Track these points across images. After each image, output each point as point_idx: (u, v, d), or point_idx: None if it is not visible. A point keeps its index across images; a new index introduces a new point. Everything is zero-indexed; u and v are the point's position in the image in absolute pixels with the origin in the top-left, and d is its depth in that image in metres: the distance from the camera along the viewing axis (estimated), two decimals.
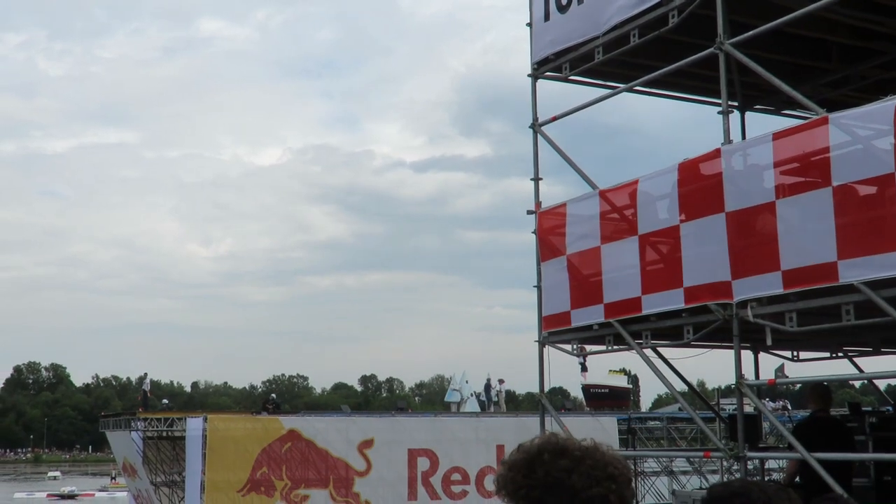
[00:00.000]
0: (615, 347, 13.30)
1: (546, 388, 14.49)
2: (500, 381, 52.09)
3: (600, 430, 38.66)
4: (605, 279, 12.91)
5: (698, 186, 11.71)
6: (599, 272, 13.02)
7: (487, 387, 51.57)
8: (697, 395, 16.92)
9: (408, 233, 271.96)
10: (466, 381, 53.03)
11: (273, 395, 67.45)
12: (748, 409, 12.62)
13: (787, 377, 16.57)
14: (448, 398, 54.21)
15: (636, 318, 12.68)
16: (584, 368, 50.90)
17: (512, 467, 2.69)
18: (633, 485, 2.79)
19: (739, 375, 11.45)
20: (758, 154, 11.02)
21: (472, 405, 50.13)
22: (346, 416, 40.47)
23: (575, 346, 14.09)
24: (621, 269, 12.74)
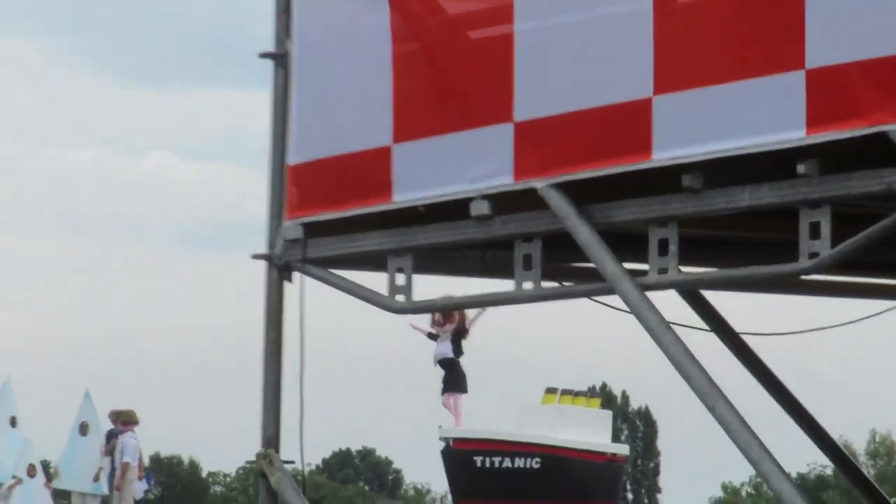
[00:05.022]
0: (567, 286, 7.45)
1: (306, 452, 7.71)
2: (119, 423, 23.58)
3: None
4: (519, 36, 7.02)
5: None
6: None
7: (109, 438, 24.33)
8: (850, 467, 9.17)
9: None
10: (13, 422, 27.03)
11: None
12: None
13: None
14: None
15: (631, 178, 6.56)
16: (449, 378, 23.41)
17: None
18: None
19: None
20: None
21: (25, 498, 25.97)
22: None
23: (398, 285, 7.29)
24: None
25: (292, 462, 7.78)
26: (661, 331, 6.27)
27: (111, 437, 23.97)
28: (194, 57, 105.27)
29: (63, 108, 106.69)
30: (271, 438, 7.71)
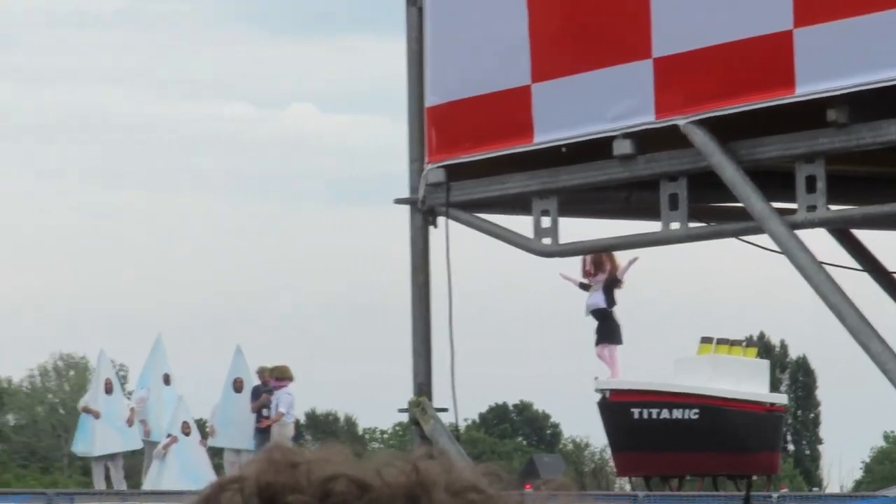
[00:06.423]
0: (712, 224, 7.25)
1: (460, 405, 7.80)
2: (273, 378, 24.12)
3: None
4: None
5: None
6: None
7: (255, 394, 24.37)
8: None
9: None
10: (167, 380, 26.95)
11: None
12: None
13: None
14: (77, 446, 27.87)
15: (774, 114, 6.42)
16: (603, 329, 23.04)
17: None
18: None
19: None
20: None
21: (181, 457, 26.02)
22: None
23: (544, 227, 7.26)
24: None
25: (445, 410, 7.79)
26: (812, 270, 6.17)
27: (257, 393, 23.96)
28: (332, 4, 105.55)
29: (205, 62, 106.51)
30: (423, 385, 7.74)
